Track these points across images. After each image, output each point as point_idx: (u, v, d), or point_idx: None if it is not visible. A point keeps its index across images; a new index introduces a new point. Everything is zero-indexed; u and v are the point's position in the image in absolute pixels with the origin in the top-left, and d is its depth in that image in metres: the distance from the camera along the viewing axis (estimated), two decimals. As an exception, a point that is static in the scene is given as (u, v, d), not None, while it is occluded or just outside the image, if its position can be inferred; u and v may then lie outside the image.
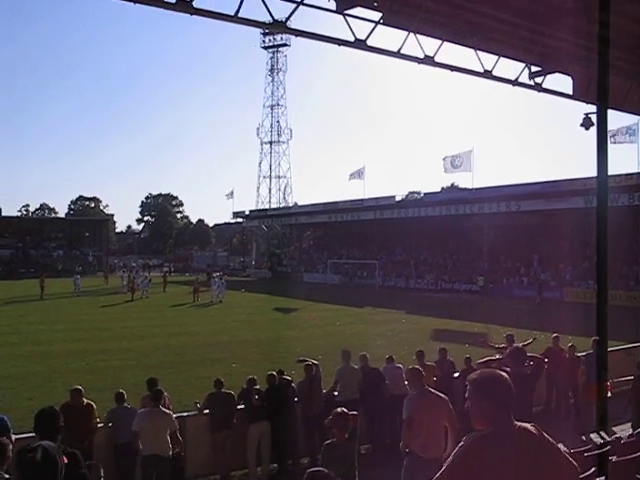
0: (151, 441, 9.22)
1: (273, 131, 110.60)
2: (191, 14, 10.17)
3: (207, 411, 10.92)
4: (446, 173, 58.71)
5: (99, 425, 9.96)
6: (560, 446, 3.97)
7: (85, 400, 9.84)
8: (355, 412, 7.84)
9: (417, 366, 8.40)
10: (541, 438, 3.65)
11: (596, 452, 5.84)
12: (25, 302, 43.15)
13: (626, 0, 10.47)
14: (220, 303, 43.36)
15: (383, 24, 11.72)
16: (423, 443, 7.59)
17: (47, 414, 5.20)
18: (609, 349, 8.91)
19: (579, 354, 13.95)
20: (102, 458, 9.64)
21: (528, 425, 3.69)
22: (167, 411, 9.59)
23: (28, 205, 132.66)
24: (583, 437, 11.49)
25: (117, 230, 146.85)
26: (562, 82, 14.95)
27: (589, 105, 14.74)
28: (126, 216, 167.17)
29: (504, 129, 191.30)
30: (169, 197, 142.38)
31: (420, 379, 8.08)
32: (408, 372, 8.29)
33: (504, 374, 3.83)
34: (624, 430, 10.68)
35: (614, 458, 5.52)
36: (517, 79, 14.18)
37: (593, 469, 5.61)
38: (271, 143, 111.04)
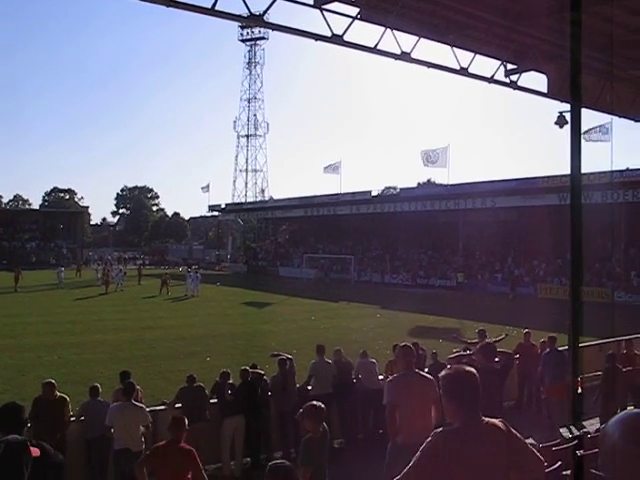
0: (123, 435, 9.19)
1: (250, 125, 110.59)
2: (167, 6, 10.13)
3: (179, 405, 10.88)
4: (424, 167, 58.79)
5: (72, 419, 9.92)
6: (529, 440, 4.03)
7: (58, 393, 9.77)
8: (323, 406, 7.80)
9: (409, 343, 8.15)
10: (508, 433, 3.71)
11: (564, 446, 5.94)
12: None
13: (597, 1, 10.59)
14: (193, 297, 43.19)
15: (360, 19, 11.75)
16: (410, 428, 7.21)
17: (10, 409, 5.13)
18: (581, 345, 9.01)
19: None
20: (75, 452, 9.61)
21: (496, 420, 3.76)
22: (140, 405, 9.54)
23: (1, 196, 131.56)
24: (555, 432, 11.63)
25: (92, 222, 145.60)
26: (537, 80, 15.10)
27: (564, 103, 14.91)
28: (101, 208, 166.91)
29: (481, 126, 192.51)
30: (145, 190, 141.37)
31: (410, 357, 7.69)
32: (399, 349, 7.99)
33: (472, 370, 3.89)
34: (593, 425, 10.82)
35: (581, 452, 5.62)
36: (493, 77, 14.29)
37: (559, 463, 5.71)
38: (248, 137, 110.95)
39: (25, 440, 4.73)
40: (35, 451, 4.70)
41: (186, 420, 7.30)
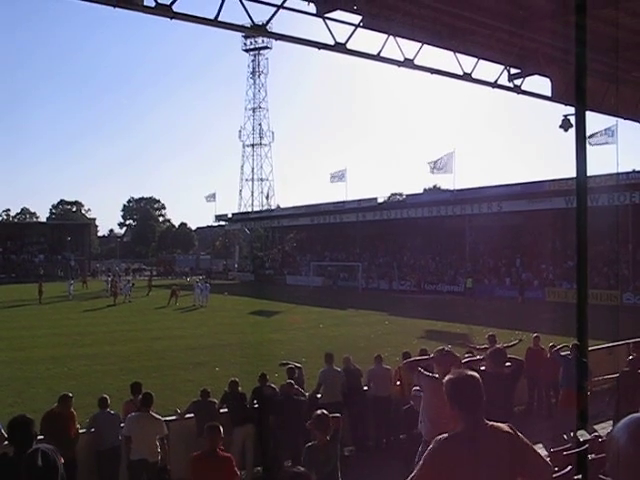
0: (140, 446, 9.22)
1: (255, 134, 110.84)
2: (171, 18, 10.17)
3: (191, 415, 10.87)
4: (431, 174, 58.79)
5: (82, 431, 9.92)
6: (539, 445, 4.03)
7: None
8: (338, 414, 7.82)
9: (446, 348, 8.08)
10: (515, 437, 3.70)
11: (575, 450, 5.92)
12: (6, 308, 42.76)
13: (602, 4, 10.60)
14: (202, 307, 43.22)
15: (363, 27, 11.78)
16: (444, 429, 7.07)
17: (20, 422, 5.14)
18: (590, 348, 8.98)
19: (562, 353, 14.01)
20: (85, 464, 9.60)
21: (502, 424, 3.75)
22: (157, 416, 9.58)
23: (9, 210, 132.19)
24: (565, 436, 11.59)
25: (99, 234, 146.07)
26: (541, 84, 15.10)
27: (568, 107, 14.90)
28: (108, 220, 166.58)
29: (486, 131, 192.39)
30: (151, 200, 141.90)
31: (453, 363, 7.53)
32: (440, 354, 7.89)
33: (474, 374, 3.89)
34: (604, 428, 10.78)
35: (592, 456, 5.60)
36: (496, 81, 14.29)
37: (569, 467, 5.69)
38: (253, 146, 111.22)
39: (56, 448, 4.79)
40: (60, 459, 4.77)
41: (221, 428, 7.28)
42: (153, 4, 9.76)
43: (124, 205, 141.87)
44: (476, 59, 13.64)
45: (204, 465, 6.93)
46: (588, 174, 7.68)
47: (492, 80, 14.26)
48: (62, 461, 4.80)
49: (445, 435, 3.72)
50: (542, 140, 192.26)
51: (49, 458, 4.71)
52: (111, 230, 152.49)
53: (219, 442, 7.08)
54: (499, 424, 3.74)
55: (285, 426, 10.65)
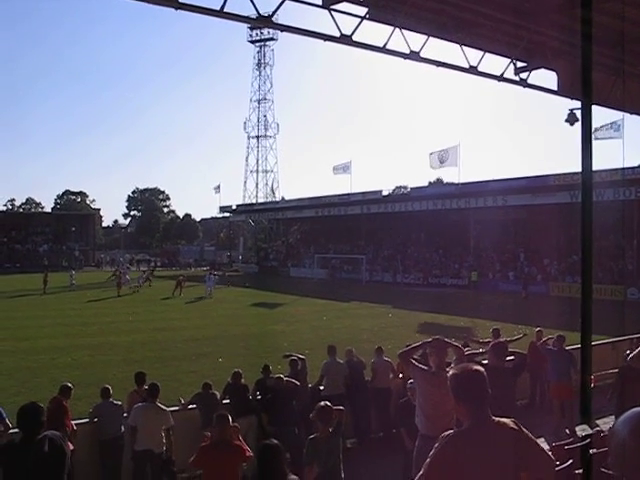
0: (146, 436, 9.22)
1: (260, 125, 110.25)
2: (176, 8, 10.14)
3: (193, 406, 10.88)
4: (432, 169, 58.69)
5: (84, 421, 9.96)
6: (541, 440, 4.02)
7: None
8: (341, 407, 7.81)
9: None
10: (519, 433, 3.68)
11: (577, 445, 5.93)
12: (10, 298, 42.86)
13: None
14: (206, 299, 43.23)
15: (369, 19, 11.72)
16: (439, 423, 6.79)
17: (29, 410, 5.18)
18: (593, 343, 8.96)
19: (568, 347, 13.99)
20: (87, 454, 9.62)
21: (507, 420, 3.73)
22: (164, 407, 9.56)
23: (14, 199, 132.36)
24: (567, 430, 11.59)
25: (104, 225, 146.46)
26: (547, 78, 15.03)
27: (574, 101, 14.84)
28: (113, 211, 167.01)
29: (492, 124, 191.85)
30: (156, 191, 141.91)
31: (457, 352, 7.64)
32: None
33: (479, 369, 3.86)
34: (607, 423, 10.78)
35: (593, 450, 5.61)
36: (502, 75, 14.21)
37: (570, 461, 5.69)
38: (258, 137, 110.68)
39: (64, 435, 4.82)
40: (69, 445, 4.81)
41: (229, 417, 7.26)
42: (158, -6, 9.73)
43: (129, 196, 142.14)
44: (482, 52, 13.58)
45: (218, 454, 6.92)
46: (593, 168, 7.67)
47: (498, 73, 14.19)
48: (71, 448, 4.85)
49: (452, 432, 3.70)
50: (547, 134, 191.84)
51: (56, 444, 4.76)
52: (115, 221, 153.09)
53: (228, 431, 7.06)
54: (505, 420, 3.72)
55: (277, 421, 10.62)
